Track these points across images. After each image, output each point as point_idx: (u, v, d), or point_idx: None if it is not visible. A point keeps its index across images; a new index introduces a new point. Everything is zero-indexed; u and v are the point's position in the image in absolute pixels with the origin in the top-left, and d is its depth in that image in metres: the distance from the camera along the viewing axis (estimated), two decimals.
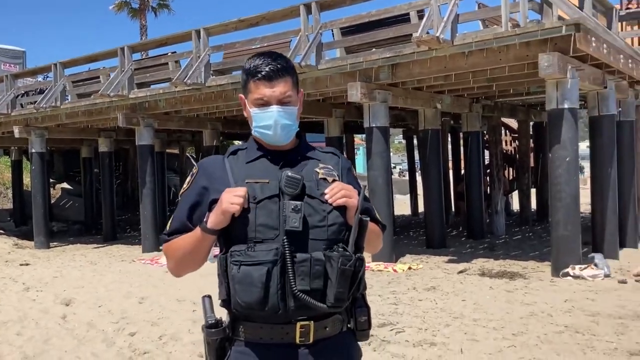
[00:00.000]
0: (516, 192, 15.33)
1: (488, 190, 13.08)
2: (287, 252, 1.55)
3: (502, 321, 5.45)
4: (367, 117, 9.15)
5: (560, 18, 7.74)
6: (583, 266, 7.48)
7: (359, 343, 1.74)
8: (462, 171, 13.94)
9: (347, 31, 9.88)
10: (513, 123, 15.60)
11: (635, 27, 11.63)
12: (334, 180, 1.68)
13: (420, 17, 9.25)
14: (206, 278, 7.64)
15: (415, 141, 16.98)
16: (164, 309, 6.50)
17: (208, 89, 10.55)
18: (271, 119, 1.66)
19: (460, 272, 8.13)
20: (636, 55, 9.58)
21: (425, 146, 10.64)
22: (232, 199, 1.59)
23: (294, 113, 1.70)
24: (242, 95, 1.76)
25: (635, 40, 11.33)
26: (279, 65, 1.65)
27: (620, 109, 9.46)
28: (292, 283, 1.55)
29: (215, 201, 1.65)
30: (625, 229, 9.58)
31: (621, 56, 8.62)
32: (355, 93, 8.77)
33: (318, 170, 1.69)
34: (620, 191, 9.27)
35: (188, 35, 10.72)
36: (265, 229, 1.60)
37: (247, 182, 1.65)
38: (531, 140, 14.89)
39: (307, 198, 1.62)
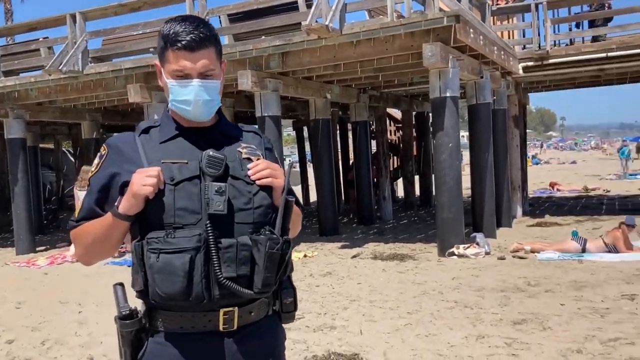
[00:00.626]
0: (401, 179, 15.97)
1: (375, 179, 13.50)
2: (210, 237, 1.43)
3: (397, 301, 5.63)
4: (258, 106, 9.05)
5: (440, 10, 8.10)
6: (466, 245, 7.94)
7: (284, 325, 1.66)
8: (351, 160, 14.26)
9: (235, 18, 9.69)
10: (397, 113, 16.20)
11: (505, 22, 12.50)
12: (257, 159, 1.58)
13: (309, 6, 9.27)
14: (90, 278, 7.22)
15: (305, 132, 17.12)
16: (46, 312, 6.02)
17: (86, 77, 9.90)
18: (191, 94, 1.50)
19: (354, 256, 8.31)
20: (507, 48, 10.30)
21: (317, 136, 10.75)
22: (144, 180, 1.44)
23: (217, 87, 1.55)
24: (157, 63, 1.60)
25: (505, 34, 12.16)
26: (202, 35, 1.49)
27: (494, 97, 10.11)
28: (218, 271, 1.43)
29: (127, 184, 1.50)
30: (501, 210, 10.30)
31: (495, 48, 9.22)
32: (245, 81, 8.64)
33: (241, 149, 1.58)
34: (496, 175, 9.94)
35: (62, 19, 9.97)
36: (185, 213, 1.46)
37: (163, 163, 1.50)
38: (414, 130, 15.54)
39: (230, 179, 1.50)
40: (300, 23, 9.19)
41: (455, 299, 5.56)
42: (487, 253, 7.88)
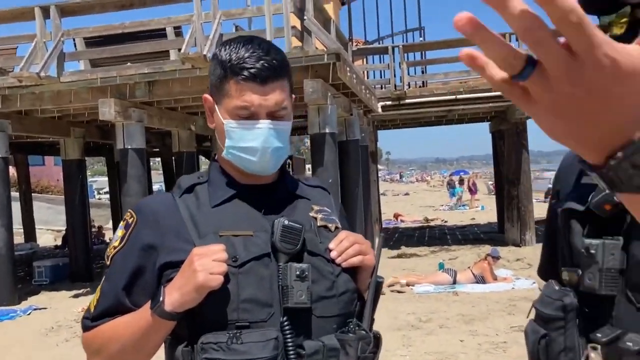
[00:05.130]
0: None
1: None
2: (289, 341, 1.06)
3: None
4: (120, 138, 8.27)
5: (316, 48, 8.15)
6: None
7: None
8: None
9: (91, 42, 8.86)
10: None
11: (359, 62, 13.08)
12: (336, 228, 1.22)
13: (177, 34, 8.85)
14: None
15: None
16: None
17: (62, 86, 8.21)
18: (258, 140, 1.15)
19: None
20: (370, 87, 10.71)
21: (181, 169, 10.13)
22: (211, 265, 1.04)
23: (288, 131, 1.20)
24: (208, 96, 1.21)
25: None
26: (275, 62, 1.14)
27: (362, 134, 10.41)
28: None
29: (168, 266, 1.10)
30: None
31: (363, 87, 9.51)
32: (107, 110, 7.84)
33: (314, 215, 1.23)
34: (364, 209, 10.16)
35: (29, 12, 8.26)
36: (253, 306, 1.08)
37: (221, 236, 1.11)
38: None
39: (307, 256, 1.14)
40: (168, 51, 8.74)
41: None
42: None
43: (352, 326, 1.14)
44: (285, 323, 1.07)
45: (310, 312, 1.11)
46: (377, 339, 1.17)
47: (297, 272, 1.09)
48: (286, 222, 1.12)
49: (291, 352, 1.05)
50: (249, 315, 1.07)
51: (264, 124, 1.14)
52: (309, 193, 1.28)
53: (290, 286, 1.08)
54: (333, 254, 1.16)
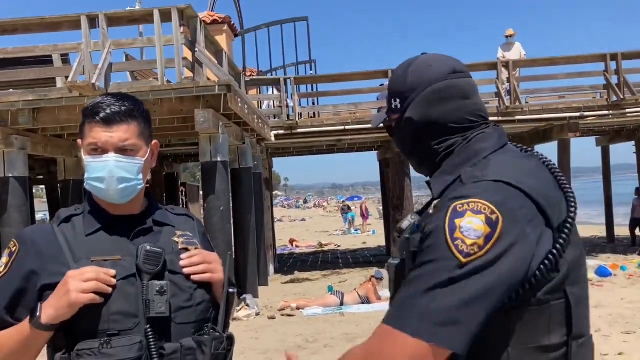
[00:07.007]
0: None
1: None
2: (152, 344, 1.31)
3: None
4: (1, 165, 7.97)
5: (208, 79, 8.36)
6: (237, 308, 8.06)
7: None
8: None
9: None
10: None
11: (253, 92, 13.41)
12: (195, 249, 1.48)
13: (64, 61, 8.71)
14: None
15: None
16: None
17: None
18: (105, 170, 1.38)
19: None
20: (263, 117, 11.03)
21: (67, 198, 9.82)
22: (81, 285, 1.27)
23: (138, 166, 1.42)
24: (79, 140, 1.44)
25: (256, 103, 13.03)
26: (123, 108, 1.39)
27: (255, 162, 10.66)
28: None
29: (47, 287, 1.31)
30: (259, 269, 10.71)
31: (255, 116, 9.81)
32: None
33: (177, 239, 1.47)
34: (257, 235, 10.37)
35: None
36: (121, 317, 1.32)
37: (93, 261, 1.34)
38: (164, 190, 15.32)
39: (169, 274, 1.39)
40: (54, 78, 8.57)
41: None
42: (257, 314, 8.10)
43: (207, 329, 1.40)
44: (149, 330, 1.32)
45: (170, 320, 1.36)
46: (230, 339, 1.43)
47: (157, 288, 1.34)
48: (148, 248, 1.37)
49: (154, 353, 1.31)
50: (118, 325, 1.31)
51: (110, 156, 1.39)
52: (173, 221, 1.53)
53: (152, 300, 1.33)
54: (183, 265, 1.42)
